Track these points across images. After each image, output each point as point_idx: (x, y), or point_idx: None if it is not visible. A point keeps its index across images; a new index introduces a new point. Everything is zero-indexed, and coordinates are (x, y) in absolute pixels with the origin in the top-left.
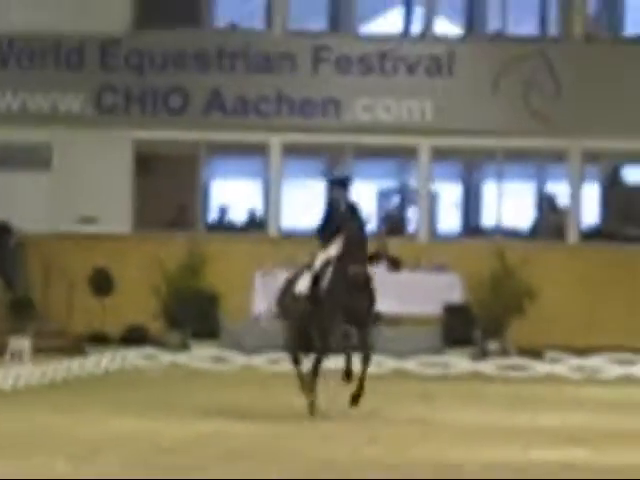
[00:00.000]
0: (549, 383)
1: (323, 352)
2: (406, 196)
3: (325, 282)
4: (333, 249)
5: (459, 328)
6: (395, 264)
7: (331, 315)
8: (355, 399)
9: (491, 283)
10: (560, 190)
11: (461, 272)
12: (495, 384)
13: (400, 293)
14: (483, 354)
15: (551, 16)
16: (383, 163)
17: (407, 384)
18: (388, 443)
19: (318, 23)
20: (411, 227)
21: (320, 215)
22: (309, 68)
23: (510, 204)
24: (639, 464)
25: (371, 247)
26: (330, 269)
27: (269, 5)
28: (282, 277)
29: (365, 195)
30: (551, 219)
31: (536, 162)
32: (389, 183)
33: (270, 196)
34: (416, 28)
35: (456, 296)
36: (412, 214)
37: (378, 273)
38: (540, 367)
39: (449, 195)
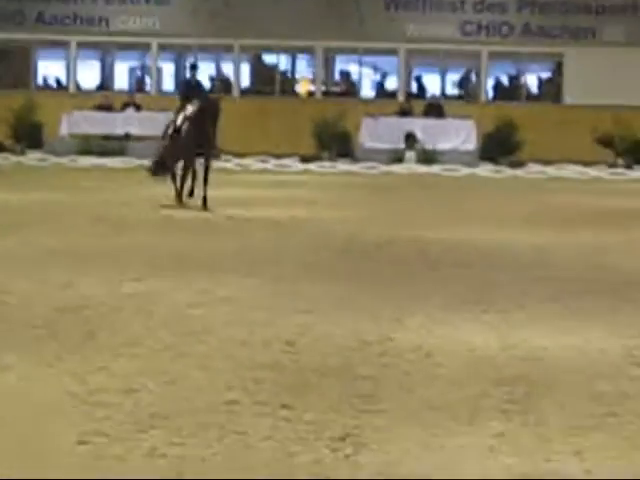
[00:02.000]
0: None
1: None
2: None
3: (182, 129)
4: (189, 109)
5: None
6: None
7: (184, 148)
8: (204, 202)
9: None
10: None
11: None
12: None
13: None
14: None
15: None
16: None
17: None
18: None
19: None
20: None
21: (181, 85)
22: None
23: None
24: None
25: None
26: (186, 122)
27: None
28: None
29: None
30: None
31: None
32: None
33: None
34: None
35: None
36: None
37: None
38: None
39: None
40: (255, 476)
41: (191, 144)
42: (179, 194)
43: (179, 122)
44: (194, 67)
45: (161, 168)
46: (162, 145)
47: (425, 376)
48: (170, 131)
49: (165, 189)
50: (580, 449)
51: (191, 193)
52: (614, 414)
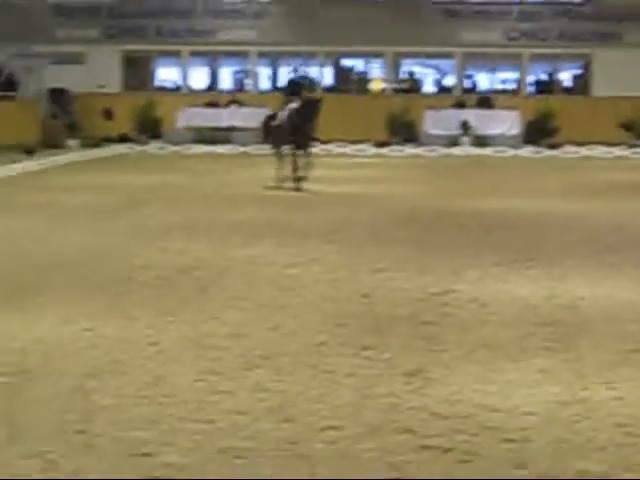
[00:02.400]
0: None
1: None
2: None
3: (288, 121)
4: (294, 105)
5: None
6: None
7: (288, 136)
8: (299, 180)
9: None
10: None
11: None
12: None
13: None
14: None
15: None
16: None
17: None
18: None
19: None
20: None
21: (287, 84)
22: None
23: None
24: None
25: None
26: (289, 117)
27: None
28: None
29: None
30: None
31: None
32: None
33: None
34: None
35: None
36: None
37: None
38: None
39: None
40: (346, 408)
41: (295, 133)
42: (280, 180)
43: (286, 114)
44: (297, 70)
45: (268, 139)
46: (267, 129)
47: (480, 321)
48: (277, 122)
49: (264, 171)
50: (611, 380)
51: (298, 184)
52: (639, 351)
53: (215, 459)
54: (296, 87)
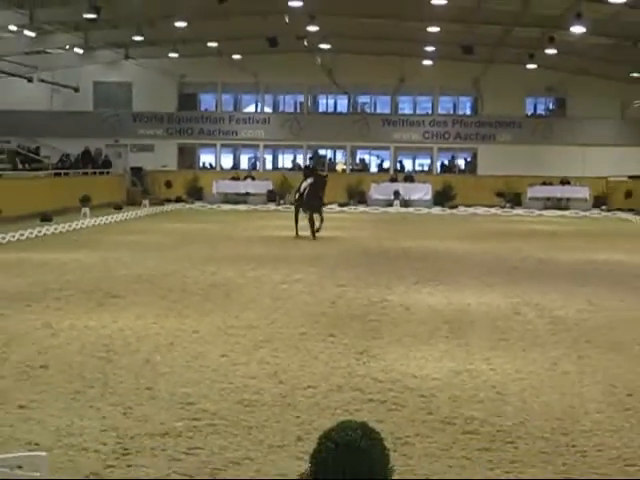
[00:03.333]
0: None
1: (300, 211)
2: None
3: (305, 193)
4: (309, 180)
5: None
6: None
7: (307, 205)
8: (316, 232)
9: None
10: None
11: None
12: None
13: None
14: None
15: None
16: None
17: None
18: None
19: None
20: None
21: (304, 168)
22: None
23: None
24: None
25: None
26: (307, 189)
27: None
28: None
29: None
30: None
31: None
32: None
33: (217, 159)
34: None
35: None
36: None
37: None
38: None
39: None
40: (319, 374)
41: (311, 202)
42: (297, 231)
43: (302, 189)
44: (312, 158)
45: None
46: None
47: (405, 320)
48: (297, 195)
49: (269, 222)
50: (488, 357)
51: (314, 234)
52: (505, 339)
53: (234, 407)
54: (311, 169)
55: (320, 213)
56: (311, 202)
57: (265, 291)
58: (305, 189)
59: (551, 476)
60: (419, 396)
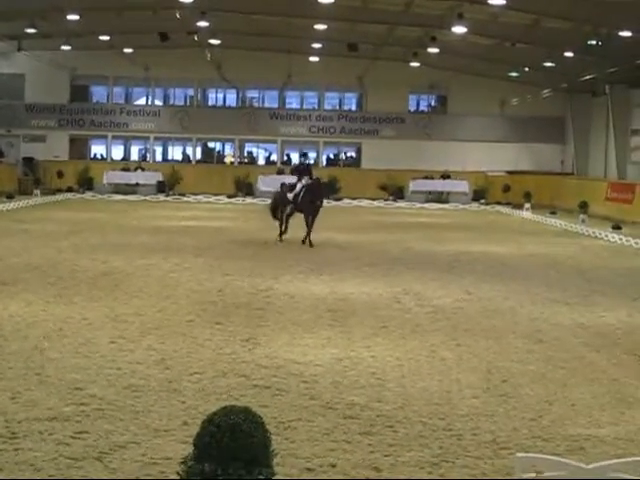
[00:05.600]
0: None
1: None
2: None
3: (299, 197)
4: (303, 181)
5: None
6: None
7: (307, 208)
8: (307, 240)
9: None
10: None
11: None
12: None
13: None
14: None
15: None
16: None
17: None
18: None
19: None
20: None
21: (295, 167)
22: None
23: None
24: None
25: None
26: (302, 192)
27: None
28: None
29: None
30: None
31: None
32: None
33: (108, 150)
34: None
35: None
36: None
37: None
38: None
39: None
40: (205, 361)
41: (311, 205)
42: (280, 234)
43: (298, 189)
44: (304, 155)
45: (274, 215)
46: (279, 201)
47: (290, 308)
48: (292, 195)
49: (159, 211)
50: (369, 345)
51: (281, 236)
52: (386, 327)
53: (122, 392)
54: (307, 169)
55: (314, 218)
56: (312, 206)
57: (154, 279)
58: (301, 190)
59: (429, 459)
60: (302, 382)
